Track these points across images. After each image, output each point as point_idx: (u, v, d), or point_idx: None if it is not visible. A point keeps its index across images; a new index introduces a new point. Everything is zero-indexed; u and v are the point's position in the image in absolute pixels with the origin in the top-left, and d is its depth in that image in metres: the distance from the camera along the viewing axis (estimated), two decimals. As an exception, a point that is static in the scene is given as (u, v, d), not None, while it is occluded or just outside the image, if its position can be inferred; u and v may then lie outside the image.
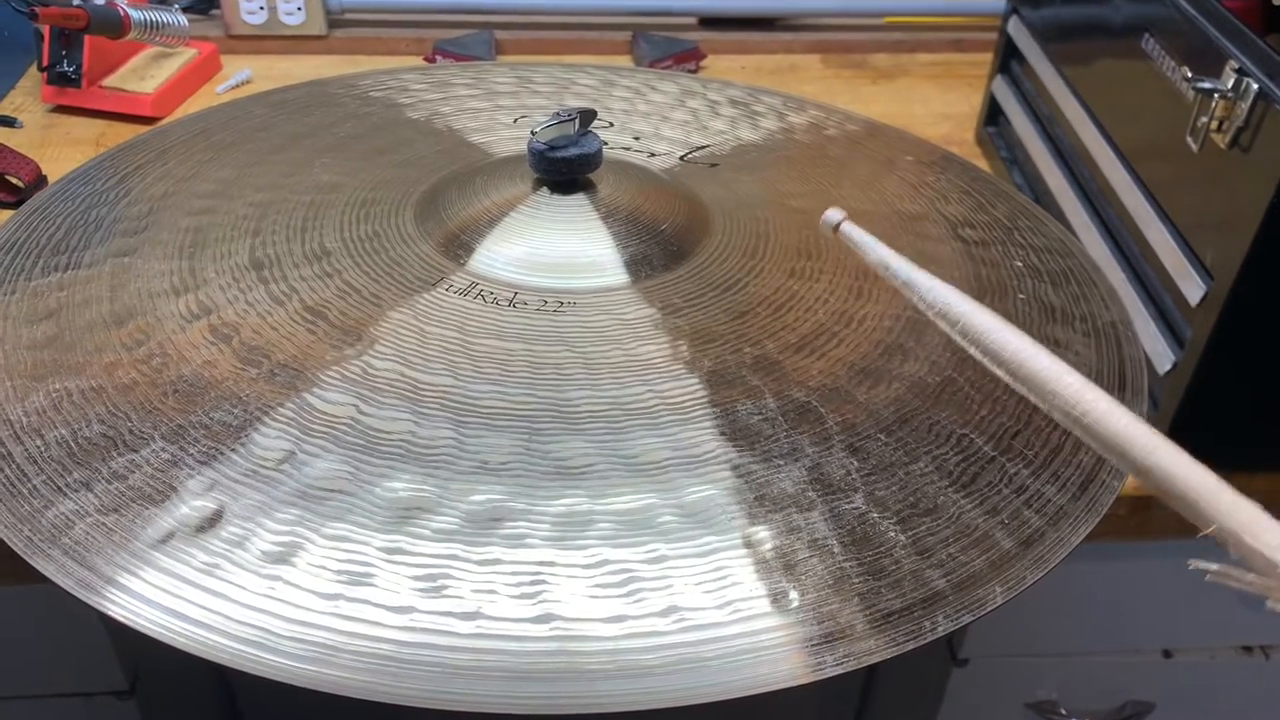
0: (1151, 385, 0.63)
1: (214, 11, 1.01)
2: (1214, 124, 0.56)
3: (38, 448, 0.37)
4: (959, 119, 0.95)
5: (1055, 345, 0.46)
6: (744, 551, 0.35)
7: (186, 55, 0.93)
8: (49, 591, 0.65)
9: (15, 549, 0.34)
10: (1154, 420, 0.62)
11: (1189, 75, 0.58)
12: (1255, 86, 0.53)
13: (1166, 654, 0.80)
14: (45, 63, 0.87)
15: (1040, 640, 0.78)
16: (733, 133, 0.62)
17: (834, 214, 0.42)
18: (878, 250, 0.40)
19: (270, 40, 0.99)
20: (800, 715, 0.98)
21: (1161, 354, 0.61)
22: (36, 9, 0.82)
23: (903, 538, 0.36)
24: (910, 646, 0.33)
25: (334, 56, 0.99)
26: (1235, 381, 0.58)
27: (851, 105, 0.74)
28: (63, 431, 0.37)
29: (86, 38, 0.86)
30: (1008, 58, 0.87)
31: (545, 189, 0.49)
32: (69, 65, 0.87)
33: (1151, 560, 0.73)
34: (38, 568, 0.33)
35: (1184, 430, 0.61)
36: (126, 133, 0.85)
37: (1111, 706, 0.82)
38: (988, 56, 0.90)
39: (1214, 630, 0.78)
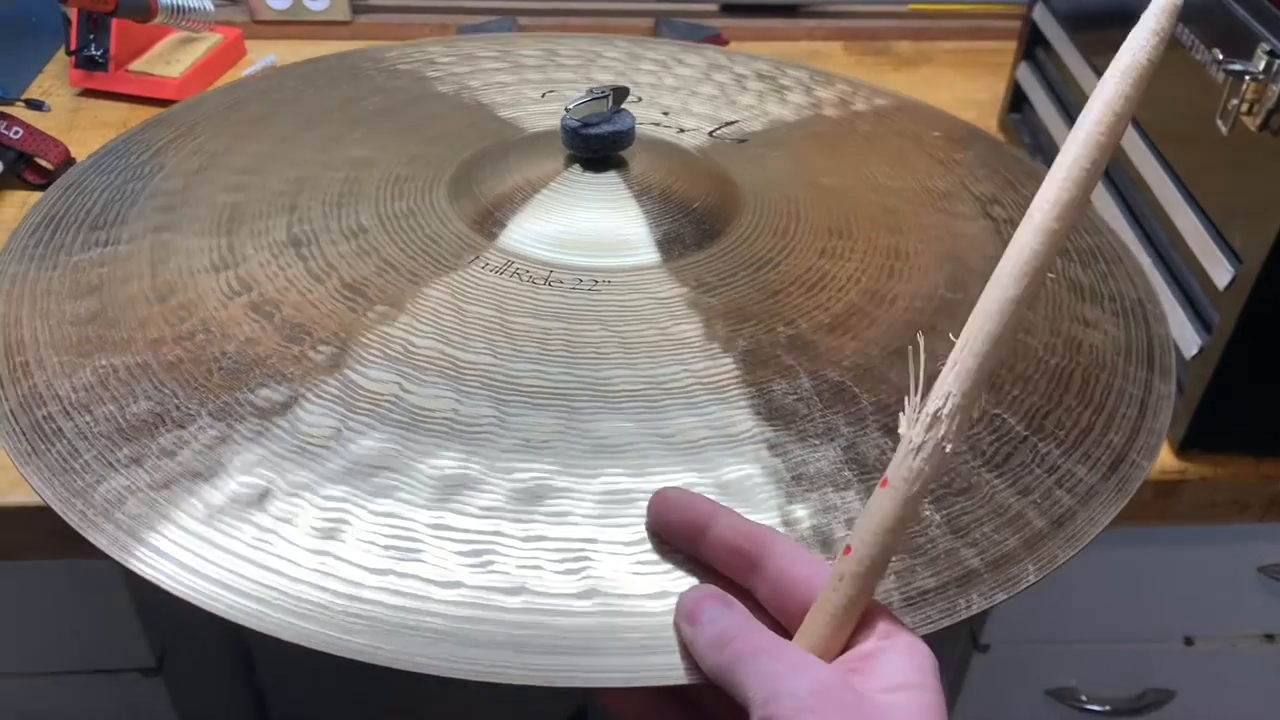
0: (1177, 370, 0.63)
1: (239, -4, 1.01)
2: (1245, 107, 0.56)
3: (87, 423, 0.37)
4: (982, 106, 0.95)
5: (1085, 324, 0.46)
6: (782, 529, 0.35)
7: (211, 40, 0.94)
8: (78, 569, 0.66)
9: (70, 523, 0.34)
10: (1180, 405, 0.62)
11: (1220, 58, 0.57)
12: (1287, 69, 0.53)
13: (1188, 641, 0.80)
14: (73, 47, 0.88)
15: (1061, 626, 0.79)
16: (761, 107, 0.62)
17: None
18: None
19: (294, 26, 1.00)
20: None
21: (1188, 338, 0.61)
22: (64, -8, 0.82)
23: (937, 517, 0.36)
24: (945, 624, 0.33)
25: (357, 42, 1.00)
26: (1262, 366, 0.59)
27: (877, 90, 0.74)
28: (111, 408, 0.38)
29: (114, 22, 0.87)
30: (1032, 44, 0.87)
31: (578, 166, 0.49)
32: (96, 49, 0.88)
33: (1173, 546, 0.73)
34: (92, 541, 0.34)
35: (1210, 415, 0.61)
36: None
37: (1132, 694, 0.83)
38: (1011, 44, 0.90)
39: (1236, 618, 0.78)
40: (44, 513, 0.57)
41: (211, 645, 0.87)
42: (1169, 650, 0.80)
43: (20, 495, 0.58)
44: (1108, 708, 0.82)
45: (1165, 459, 0.64)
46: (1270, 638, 0.79)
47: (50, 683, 0.75)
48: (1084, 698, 0.82)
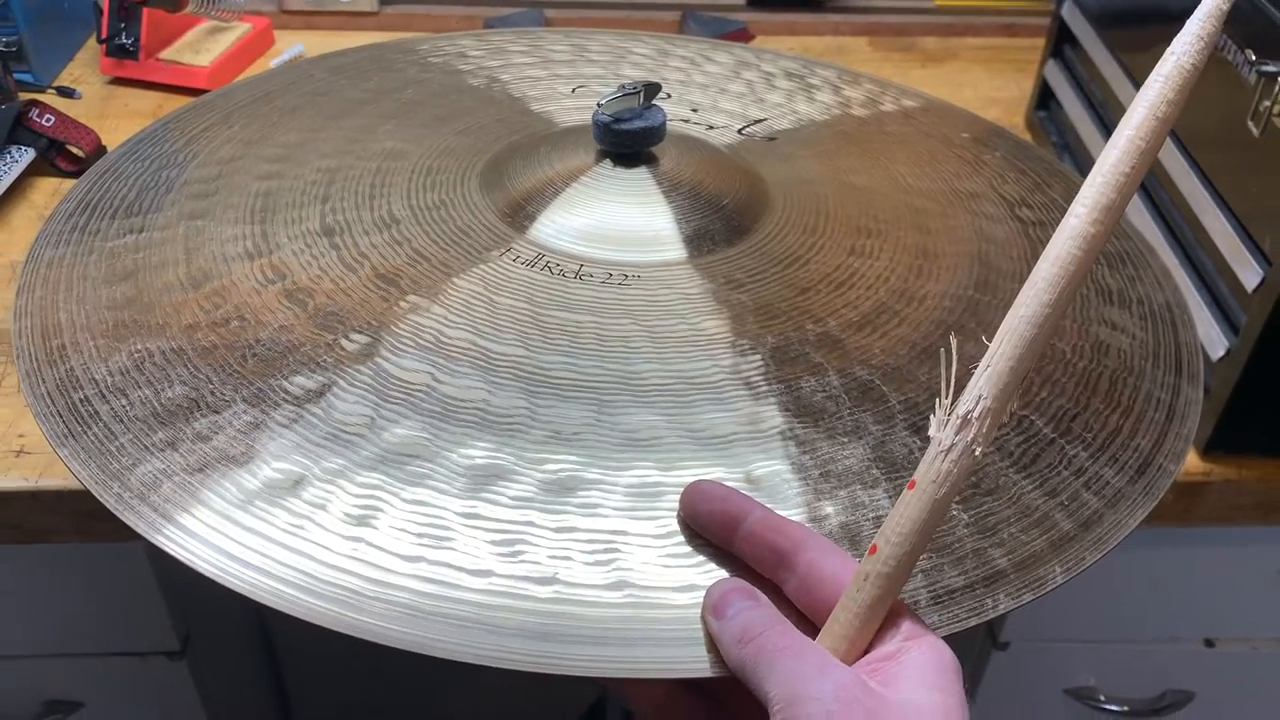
0: (1204, 372, 0.63)
1: (268, -15, 1.01)
2: (1277, 108, 0.56)
3: (123, 407, 0.38)
4: (1008, 103, 0.94)
5: (1113, 329, 0.46)
6: (810, 526, 0.35)
7: (241, 30, 0.94)
8: (104, 551, 0.67)
9: (107, 505, 0.35)
10: (1206, 407, 0.62)
11: (1252, 59, 0.57)
12: (1320, 72, 0.52)
13: (1208, 643, 0.79)
14: (104, 35, 0.89)
15: (1081, 626, 0.79)
16: (789, 106, 0.62)
17: None
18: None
19: (322, 16, 1.00)
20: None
21: (1215, 340, 0.61)
22: (97, -20, 0.83)
23: (965, 516, 0.36)
24: (972, 623, 0.33)
25: (385, 33, 1.00)
26: (1291, 369, 0.58)
27: (904, 87, 0.74)
28: (146, 392, 0.39)
29: (145, 10, 0.87)
30: (1060, 42, 0.86)
31: (608, 161, 0.49)
32: (127, 38, 0.88)
33: (1195, 548, 0.73)
34: (129, 524, 0.34)
35: (1236, 417, 0.61)
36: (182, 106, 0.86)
37: (1151, 695, 0.82)
38: (1038, 41, 0.89)
39: (1256, 621, 0.78)
40: (72, 496, 0.59)
41: (235, 629, 0.88)
42: (1189, 651, 0.80)
43: (48, 479, 0.59)
44: (1126, 708, 0.82)
45: (1190, 461, 0.64)
46: (1291, 641, 0.79)
47: (76, 665, 0.76)
48: (1103, 698, 0.82)
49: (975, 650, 0.81)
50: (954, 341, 0.31)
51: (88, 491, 0.59)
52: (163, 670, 0.76)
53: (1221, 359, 0.60)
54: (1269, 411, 0.61)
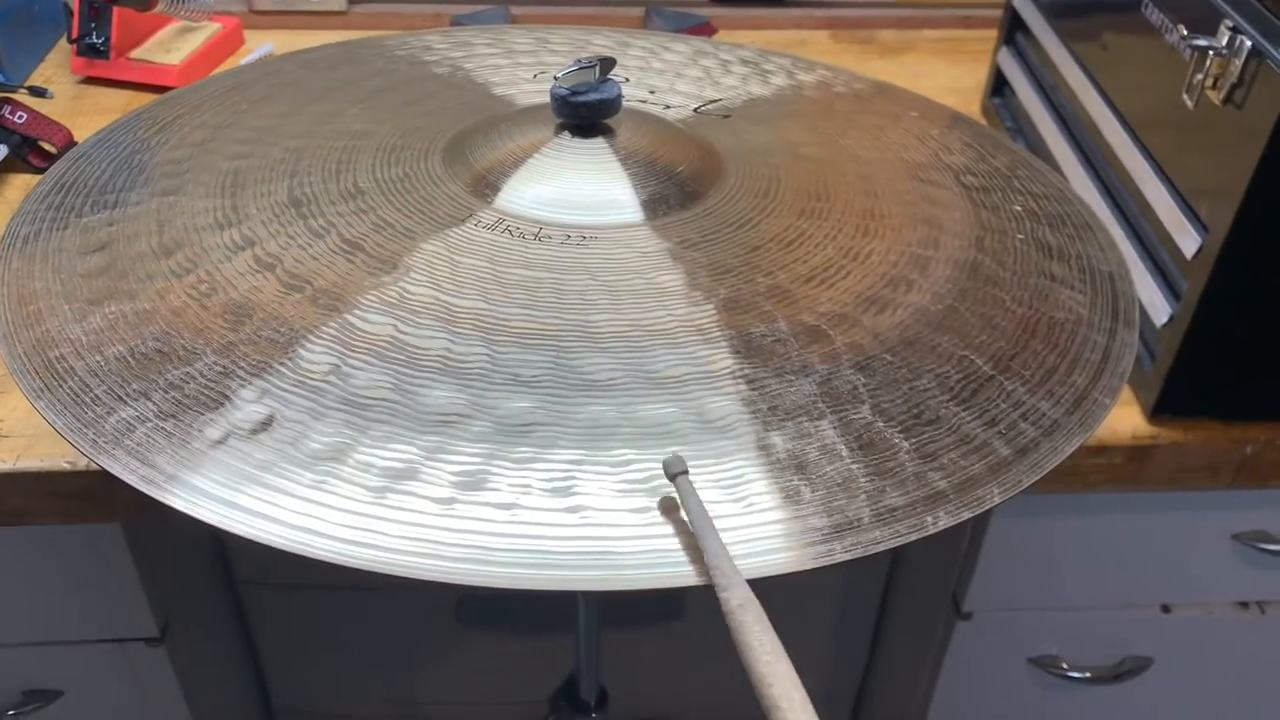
0: (1149, 337, 0.65)
1: (237, -13, 1.03)
2: (1209, 81, 0.58)
3: (98, 362, 0.39)
4: (965, 92, 0.97)
5: (1052, 280, 0.48)
6: (758, 454, 0.37)
7: (211, 29, 0.96)
8: (83, 535, 0.68)
9: (81, 451, 0.36)
10: (1151, 372, 0.65)
11: (1185, 34, 0.60)
12: (1248, 43, 0.55)
13: (1165, 609, 0.82)
14: (75, 35, 0.90)
15: (1043, 594, 0.81)
16: (744, 88, 0.64)
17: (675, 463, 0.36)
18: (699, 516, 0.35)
19: (292, 16, 1.02)
20: (809, 668, 1.01)
21: (1158, 306, 0.63)
22: (68, -19, 0.84)
23: (906, 444, 0.38)
24: (913, 538, 0.35)
25: (353, 32, 1.02)
26: (1230, 331, 0.61)
27: (859, 72, 0.76)
28: (120, 348, 0.40)
29: (115, 10, 0.89)
30: (1013, 30, 0.89)
31: (567, 133, 0.51)
32: (98, 37, 0.90)
33: (1149, 514, 0.75)
34: (104, 466, 0.35)
35: (1180, 380, 0.63)
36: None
37: (1112, 661, 0.84)
38: (993, 33, 0.92)
39: (1211, 585, 0.80)
40: (50, 477, 0.60)
41: (214, 616, 0.89)
42: (1147, 618, 0.82)
43: (28, 460, 0.60)
44: (1089, 674, 0.84)
45: (1138, 424, 0.66)
46: (1244, 605, 0.81)
47: (55, 653, 0.76)
48: (1065, 665, 0.84)
49: (940, 621, 0.83)
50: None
51: (65, 472, 0.60)
52: (142, 657, 0.77)
53: (1165, 325, 0.63)
54: (1212, 374, 0.64)
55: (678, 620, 0.95)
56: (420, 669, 0.96)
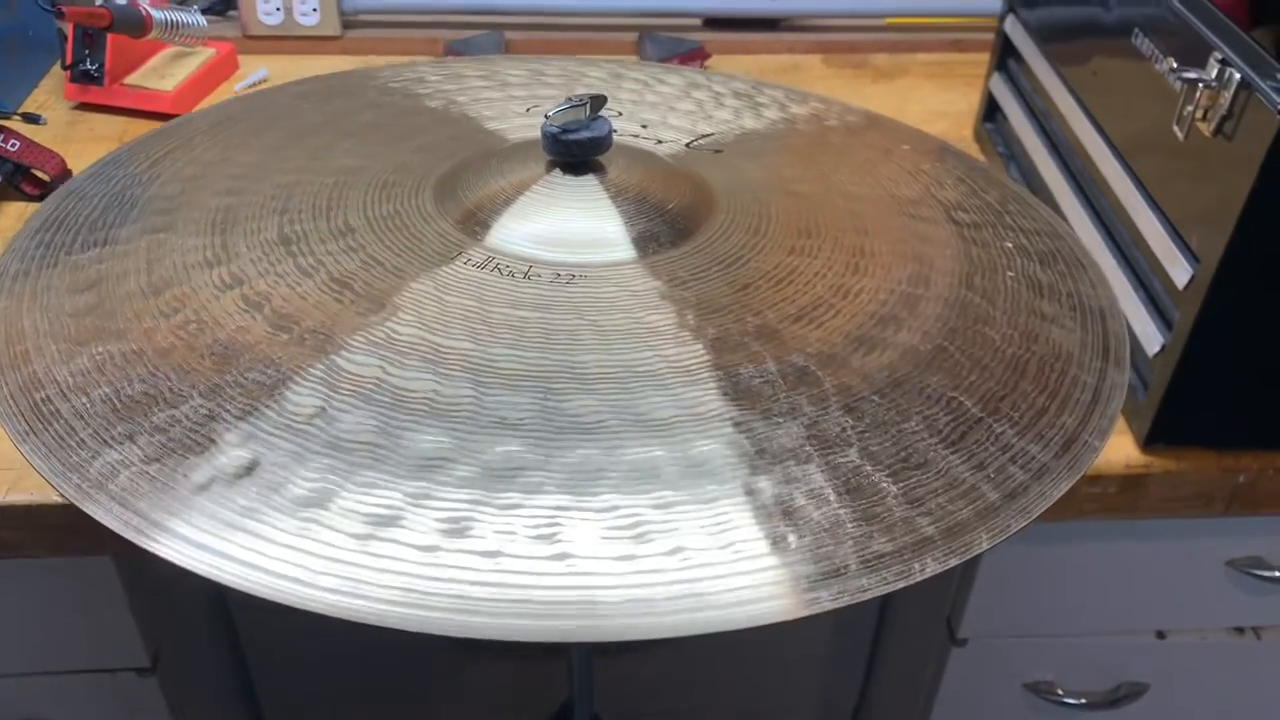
0: (1141, 367, 0.65)
1: (231, 13, 1.03)
2: (1199, 113, 0.58)
3: (83, 404, 0.39)
4: (957, 116, 0.97)
5: (1043, 319, 0.48)
6: (745, 499, 0.37)
7: (205, 55, 0.96)
8: (75, 568, 0.68)
9: (65, 495, 0.36)
10: (1144, 402, 0.65)
11: (1175, 66, 0.60)
12: (1238, 76, 0.55)
13: (1160, 635, 0.82)
14: (69, 61, 0.90)
15: (1037, 621, 0.80)
16: (736, 122, 0.64)
17: None
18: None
19: (286, 41, 1.02)
20: (804, 694, 1.01)
21: (1151, 336, 0.63)
22: (61, 8, 0.85)
23: (894, 488, 0.38)
24: (900, 585, 0.35)
25: (348, 57, 1.02)
26: (1221, 361, 0.61)
27: (852, 103, 0.77)
28: (106, 390, 0.40)
29: (109, 36, 0.89)
30: (1005, 56, 0.89)
31: (558, 170, 0.51)
32: (92, 64, 0.90)
33: (1143, 541, 0.75)
34: (88, 512, 0.35)
35: (1172, 410, 0.63)
36: (147, 130, 0.88)
37: (1107, 687, 0.84)
38: (985, 56, 0.92)
39: (1206, 611, 0.80)
40: (40, 511, 0.60)
41: (206, 645, 0.88)
42: (1142, 644, 0.82)
43: (17, 494, 0.60)
44: (1084, 700, 0.83)
45: (1131, 453, 0.66)
46: (1239, 630, 0.81)
47: (46, 683, 0.76)
48: (1061, 692, 0.84)
49: (935, 648, 0.82)
50: None
51: (55, 506, 0.60)
52: (134, 687, 0.76)
53: (1158, 354, 0.63)
54: (1204, 404, 0.64)
55: (671, 645, 0.95)
56: (416, 696, 0.96)
